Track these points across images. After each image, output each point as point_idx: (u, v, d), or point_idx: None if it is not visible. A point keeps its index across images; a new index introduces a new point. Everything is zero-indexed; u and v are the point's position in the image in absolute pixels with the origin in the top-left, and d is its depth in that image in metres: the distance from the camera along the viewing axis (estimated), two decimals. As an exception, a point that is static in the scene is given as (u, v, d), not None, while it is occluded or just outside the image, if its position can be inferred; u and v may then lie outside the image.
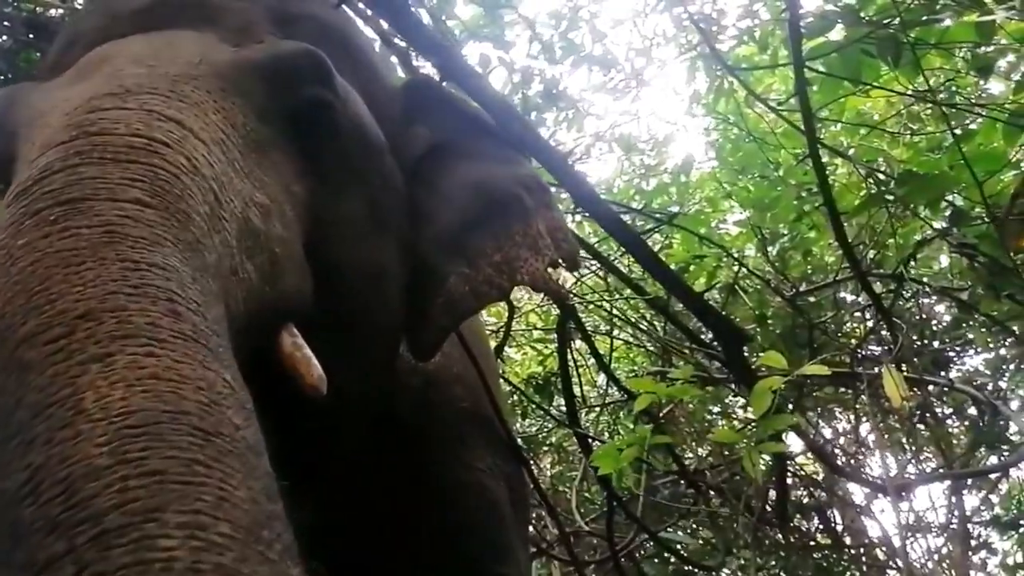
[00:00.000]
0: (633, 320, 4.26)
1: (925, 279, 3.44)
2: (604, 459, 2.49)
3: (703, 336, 3.63)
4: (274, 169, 1.36)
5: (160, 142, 1.10)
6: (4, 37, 3.22)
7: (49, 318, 0.83)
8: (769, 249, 4.03)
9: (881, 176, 3.02)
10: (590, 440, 3.48)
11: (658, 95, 13.07)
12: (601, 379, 4.80)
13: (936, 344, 3.98)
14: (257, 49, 1.47)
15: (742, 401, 4.55)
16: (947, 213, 3.06)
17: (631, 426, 3.94)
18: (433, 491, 1.87)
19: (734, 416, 4.93)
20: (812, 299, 3.96)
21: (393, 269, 1.64)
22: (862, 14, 2.65)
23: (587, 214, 2.46)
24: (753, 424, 2.70)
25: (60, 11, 3.44)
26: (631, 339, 4.72)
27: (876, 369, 3.63)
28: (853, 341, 4.06)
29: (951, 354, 4.12)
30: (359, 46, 1.81)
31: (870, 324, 3.91)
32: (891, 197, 2.78)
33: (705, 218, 4.12)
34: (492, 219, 1.78)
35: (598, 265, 3.85)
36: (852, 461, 4.76)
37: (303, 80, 1.45)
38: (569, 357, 3.43)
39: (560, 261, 1.83)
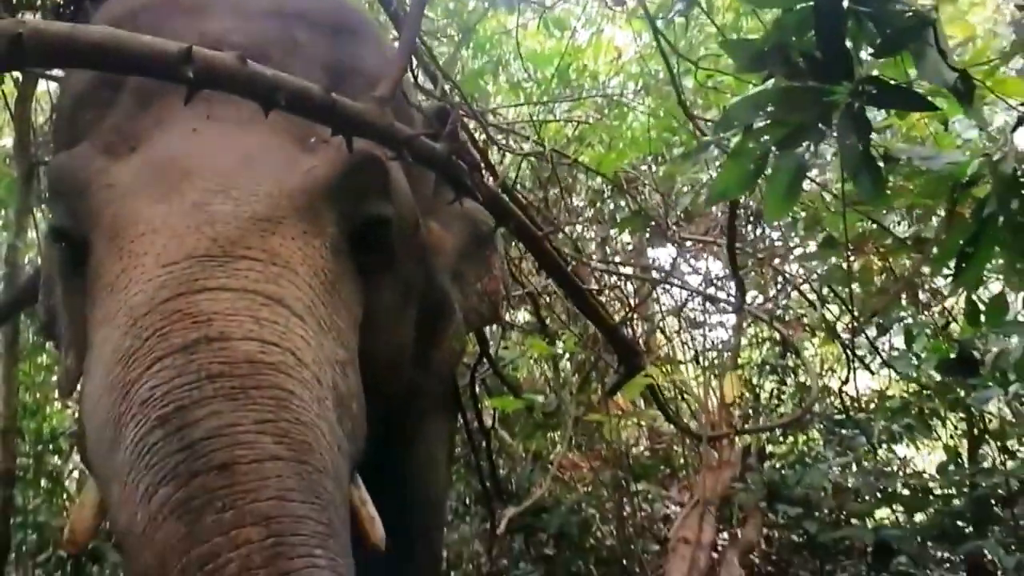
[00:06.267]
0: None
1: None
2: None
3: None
4: (344, 306, 1.40)
5: (270, 343, 1.18)
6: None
7: None
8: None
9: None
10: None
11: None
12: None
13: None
14: (324, 163, 1.47)
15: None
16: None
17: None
18: None
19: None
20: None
21: (411, 330, 1.74)
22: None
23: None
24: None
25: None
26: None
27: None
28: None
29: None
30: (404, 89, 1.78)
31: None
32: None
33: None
34: (477, 250, 2.04)
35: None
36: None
37: (367, 196, 1.51)
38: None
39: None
